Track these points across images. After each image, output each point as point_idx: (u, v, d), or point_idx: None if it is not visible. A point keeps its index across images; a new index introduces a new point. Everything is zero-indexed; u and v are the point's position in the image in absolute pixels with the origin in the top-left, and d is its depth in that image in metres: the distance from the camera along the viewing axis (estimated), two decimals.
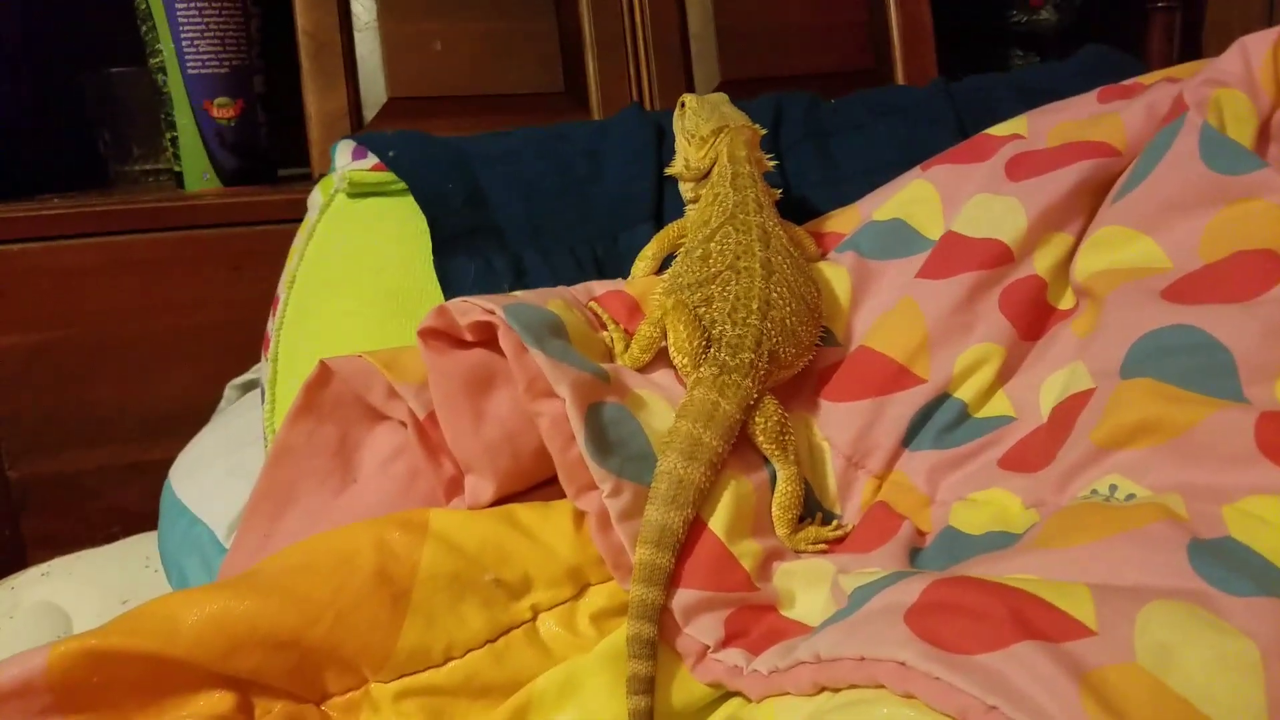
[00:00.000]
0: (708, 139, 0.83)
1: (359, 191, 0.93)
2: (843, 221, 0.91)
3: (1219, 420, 0.59)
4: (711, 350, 0.71)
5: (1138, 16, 1.50)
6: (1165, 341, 0.66)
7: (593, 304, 0.79)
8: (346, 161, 0.94)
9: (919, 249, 0.84)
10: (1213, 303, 0.67)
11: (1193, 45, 1.59)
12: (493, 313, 0.68)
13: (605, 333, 0.76)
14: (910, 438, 0.77)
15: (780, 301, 0.73)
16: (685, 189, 0.86)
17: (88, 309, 1.14)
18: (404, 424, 0.71)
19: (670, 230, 0.85)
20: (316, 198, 0.95)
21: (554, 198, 0.94)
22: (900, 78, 1.33)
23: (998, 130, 0.89)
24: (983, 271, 0.79)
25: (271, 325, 0.88)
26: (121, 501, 1.17)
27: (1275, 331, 0.63)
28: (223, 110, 1.20)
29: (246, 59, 1.22)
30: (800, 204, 0.99)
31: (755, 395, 0.70)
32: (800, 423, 0.77)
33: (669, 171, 0.88)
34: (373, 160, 0.93)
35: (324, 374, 0.71)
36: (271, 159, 1.30)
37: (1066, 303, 0.81)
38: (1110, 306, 0.72)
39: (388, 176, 0.92)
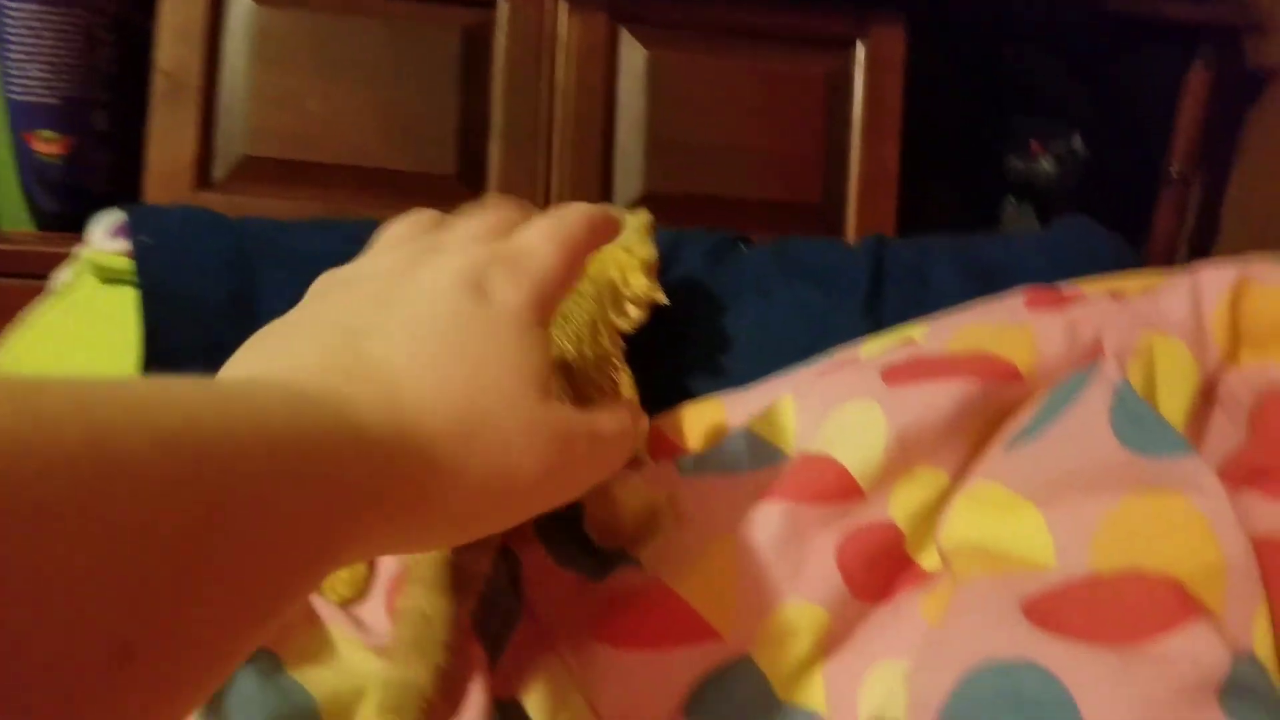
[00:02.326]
0: None
1: (112, 278, 0.76)
2: (702, 424, 0.73)
3: None
4: None
5: (1149, 185, 1.31)
6: (1007, 683, 0.47)
7: None
8: (101, 237, 0.77)
9: (767, 463, 0.66)
10: (1083, 639, 0.48)
11: (1209, 227, 1.40)
12: None
13: None
14: (693, 709, 0.58)
15: None
16: None
17: None
18: None
19: None
20: (63, 276, 0.79)
21: None
22: (852, 218, 1.15)
23: (886, 342, 0.71)
24: (819, 505, 0.60)
25: None
26: None
27: (1155, 712, 0.43)
28: (48, 145, 1.04)
29: (87, 91, 1.06)
30: (671, 381, 0.81)
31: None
32: (558, 666, 0.59)
33: None
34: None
35: None
36: (107, 206, 1.12)
37: (932, 560, 0.62)
38: (957, 608, 0.53)
39: None
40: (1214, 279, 0.59)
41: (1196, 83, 1.28)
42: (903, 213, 1.18)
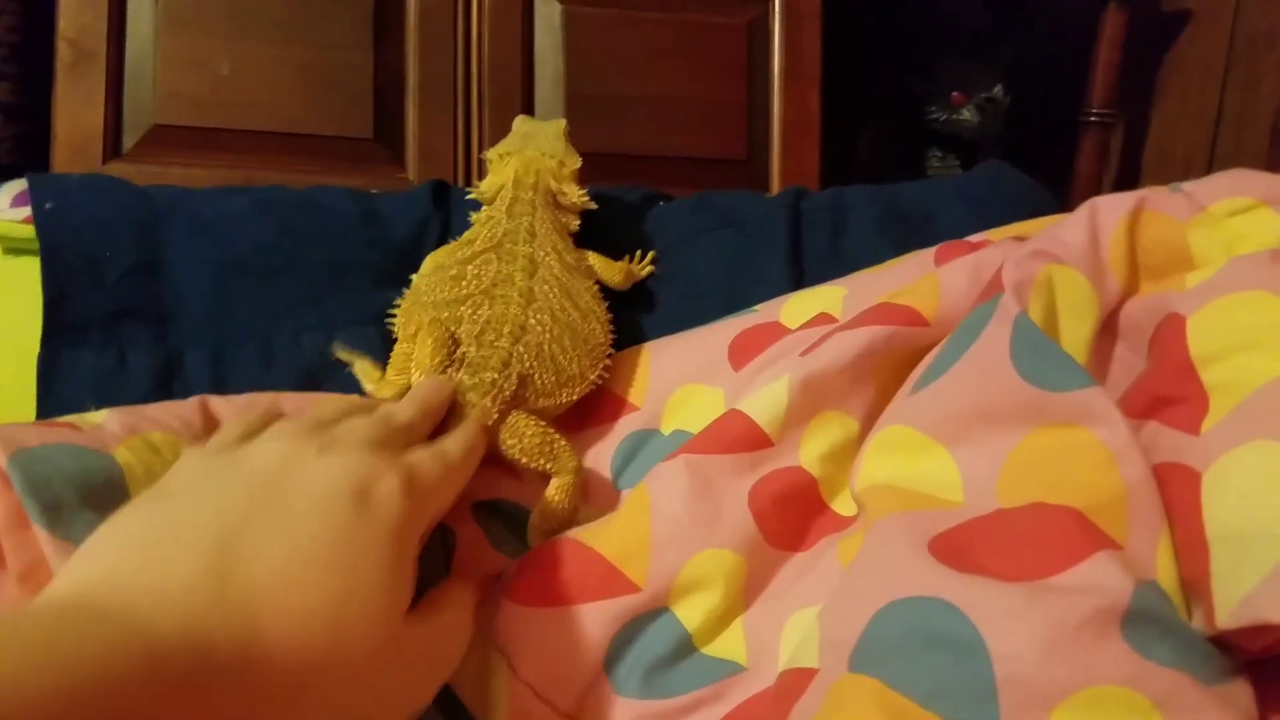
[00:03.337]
0: (503, 159, 0.78)
1: (16, 247, 0.74)
2: (631, 381, 0.75)
3: None
4: (449, 371, 0.64)
5: (1070, 129, 1.32)
6: (916, 620, 0.48)
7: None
8: (4, 206, 0.76)
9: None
10: (990, 574, 0.48)
11: (1131, 169, 1.42)
12: None
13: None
14: (613, 663, 0.58)
15: (539, 328, 0.67)
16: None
17: None
18: None
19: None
20: None
21: (265, 279, 0.75)
22: (776, 171, 1.15)
23: (806, 310, 0.72)
24: (727, 455, 0.61)
25: None
26: None
27: (1060, 643, 0.44)
28: None
29: None
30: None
31: (494, 416, 0.62)
32: (477, 631, 0.59)
33: (471, 194, 0.79)
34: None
35: None
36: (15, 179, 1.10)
37: (848, 505, 0.62)
38: (867, 547, 0.53)
39: None
40: (1110, 208, 0.60)
41: (1112, 25, 1.28)
42: (827, 167, 1.18)
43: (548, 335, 0.67)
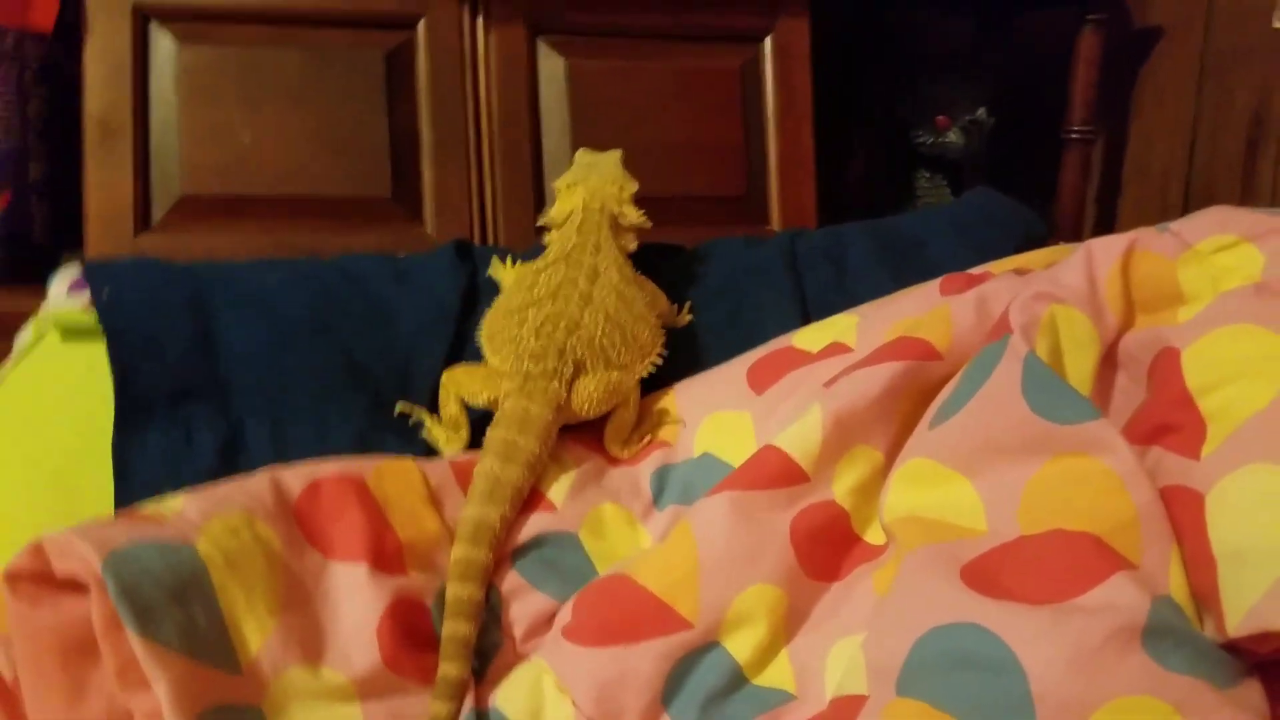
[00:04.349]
0: (570, 188, 0.87)
1: (74, 332, 0.78)
2: (663, 419, 0.81)
3: None
4: (513, 363, 0.75)
5: (1051, 146, 1.37)
6: (954, 645, 0.52)
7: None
8: (61, 293, 0.80)
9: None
10: (1019, 600, 0.53)
11: (1111, 183, 1.47)
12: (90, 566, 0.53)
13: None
14: (670, 697, 0.62)
15: (592, 324, 0.77)
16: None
17: None
18: None
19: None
20: (25, 336, 0.80)
21: (311, 348, 0.79)
22: (775, 205, 1.20)
23: (819, 337, 0.77)
24: (766, 490, 0.65)
25: None
26: None
27: (1087, 659, 0.49)
28: None
29: (20, 143, 1.07)
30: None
31: (564, 395, 0.74)
32: (535, 671, 0.64)
33: (541, 220, 0.88)
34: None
35: None
36: (50, 257, 1.13)
37: (877, 535, 0.67)
38: (903, 578, 0.58)
39: None
40: (1105, 250, 0.65)
41: (1088, 46, 1.33)
42: (820, 193, 1.23)
43: (599, 331, 0.77)
